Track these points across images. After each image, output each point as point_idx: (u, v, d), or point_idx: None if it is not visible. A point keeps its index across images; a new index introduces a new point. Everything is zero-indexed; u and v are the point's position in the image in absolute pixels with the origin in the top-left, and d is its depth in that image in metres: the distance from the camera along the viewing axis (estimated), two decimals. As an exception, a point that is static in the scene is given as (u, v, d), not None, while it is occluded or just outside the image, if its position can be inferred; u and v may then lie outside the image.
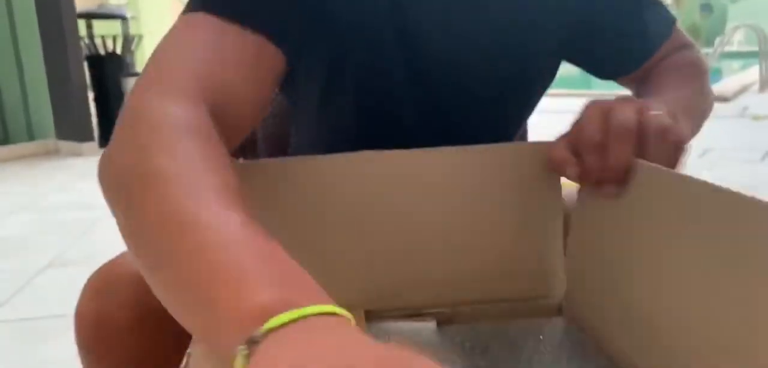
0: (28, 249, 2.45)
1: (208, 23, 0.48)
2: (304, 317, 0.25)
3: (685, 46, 0.70)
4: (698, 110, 0.64)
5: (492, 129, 0.74)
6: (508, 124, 0.76)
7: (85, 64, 4.72)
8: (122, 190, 0.37)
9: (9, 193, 3.49)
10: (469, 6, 0.63)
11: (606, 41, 0.68)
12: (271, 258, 0.29)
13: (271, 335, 0.24)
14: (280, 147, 0.96)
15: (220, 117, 0.43)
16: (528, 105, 0.75)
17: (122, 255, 0.58)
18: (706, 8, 20.85)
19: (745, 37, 12.47)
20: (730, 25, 8.60)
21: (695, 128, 0.61)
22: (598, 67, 0.72)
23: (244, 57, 0.47)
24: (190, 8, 0.50)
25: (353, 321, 0.27)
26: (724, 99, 6.02)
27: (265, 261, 0.29)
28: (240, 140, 0.49)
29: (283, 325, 0.25)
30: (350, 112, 0.69)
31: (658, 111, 0.47)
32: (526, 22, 0.65)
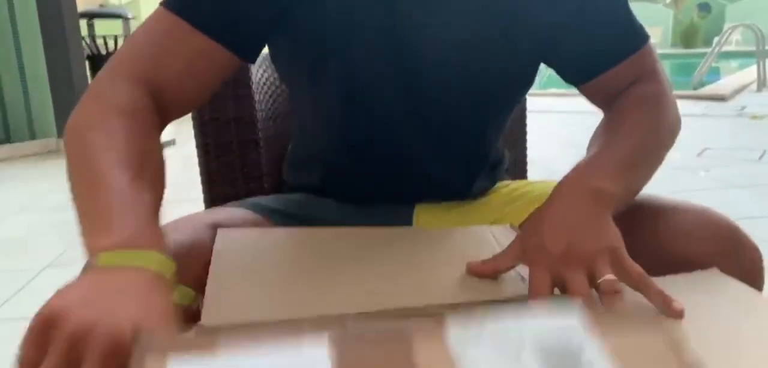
0: (29, 249, 2.45)
1: (166, 19, 0.59)
2: (116, 265, 0.41)
3: (653, 74, 0.70)
4: (653, 159, 0.64)
5: (475, 124, 0.75)
6: (490, 120, 0.77)
7: (87, 64, 4.72)
8: (69, 145, 0.53)
9: (10, 193, 3.50)
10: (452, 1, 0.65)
11: (575, 43, 0.69)
12: (132, 212, 0.45)
13: (95, 268, 0.41)
14: (280, 149, 0.97)
15: (157, 98, 0.58)
16: (509, 100, 0.77)
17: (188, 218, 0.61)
18: (705, 8, 20.84)
19: (742, 37, 12.48)
20: (727, 25, 8.61)
21: (649, 174, 0.63)
22: (565, 68, 0.72)
23: (185, 51, 0.59)
24: (161, 3, 0.61)
25: (162, 278, 0.41)
26: (721, 98, 6.04)
27: (125, 214, 0.44)
28: (177, 116, 0.62)
29: (105, 265, 0.41)
30: (333, 98, 0.71)
31: (608, 276, 0.48)
32: (507, 18, 0.66)
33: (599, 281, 0.47)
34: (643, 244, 0.60)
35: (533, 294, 0.49)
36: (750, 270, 0.59)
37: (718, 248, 0.60)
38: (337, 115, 0.73)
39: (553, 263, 0.49)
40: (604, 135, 0.64)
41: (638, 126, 0.64)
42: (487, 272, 0.53)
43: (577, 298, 0.46)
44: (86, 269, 0.42)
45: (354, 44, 0.66)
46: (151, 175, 0.52)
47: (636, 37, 0.70)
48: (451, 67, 0.68)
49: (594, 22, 0.68)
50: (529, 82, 0.76)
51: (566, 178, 0.57)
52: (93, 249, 0.43)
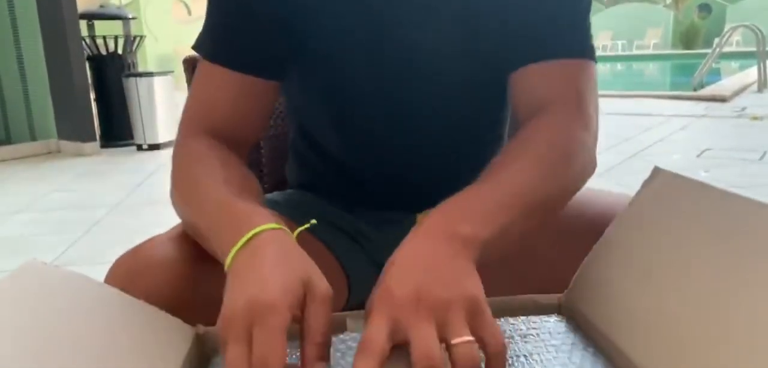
0: (30, 249, 2.45)
1: (204, 68, 0.65)
2: (258, 233, 0.45)
3: (581, 100, 0.60)
4: (547, 204, 0.54)
5: (466, 128, 0.75)
6: (482, 123, 0.76)
7: (87, 65, 4.73)
8: (178, 200, 0.59)
9: (11, 193, 3.50)
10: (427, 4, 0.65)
11: (517, 25, 0.62)
12: (248, 203, 0.50)
13: (244, 246, 0.45)
14: (280, 147, 0.97)
15: (225, 139, 0.62)
16: (498, 102, 0.76)
17: (149, 242, 0.60)
18: (705, 9, 20.85)
19: (743, 38, 12.48)
20: (728, 26, 8.61)
21: (539, 218, 0.53)
22: (493, 56, 0.66)
23: (229, 93, 0.63)
24: (197, 47, 0.66)
25: (286, 233, 0.47)
26: (722, 99, 6.04)
27: (240, 216, 0.48)
28: (251, 145, 0.67)
29: (245, 242, 0.45)
30: (322, 110, 0.72)
31: (464, 337, 0.39)
32: (488, 19, 0.64)
33: (453, 342, 0.38)
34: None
35: (363, 346, 0.38)
36: None
37: None
38: (327, 127, 0.74)
39: (395, 310, 0.40)
40: (492, 168, 0.55)
41: (537, 165, 0.55)
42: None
43: (421, 359, 0.37)
44: (229, 275, 0.44)
45: (337, 54, 0.67)
46: (250, 188, 0.57)
47: (580, 45, 0.61)
48: (431, 66, 0.68)
49: (544, 8, 0.61)
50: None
51: (427, 218, 0.50)
52: (225, 257, 0.46)
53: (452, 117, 0.73)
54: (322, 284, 0.42)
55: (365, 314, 0.42)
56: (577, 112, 0.59)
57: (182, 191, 0.58)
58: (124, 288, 0.50)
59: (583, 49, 0.61)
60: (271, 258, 0.43)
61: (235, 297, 0.41)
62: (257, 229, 0.45)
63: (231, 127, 0.64)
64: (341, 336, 0.50)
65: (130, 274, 0.54)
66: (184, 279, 0.55)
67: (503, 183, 0.53)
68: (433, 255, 0.44)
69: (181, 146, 0.63)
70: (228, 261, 0.45)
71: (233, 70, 0.63)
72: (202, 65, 0.65)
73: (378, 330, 0.39)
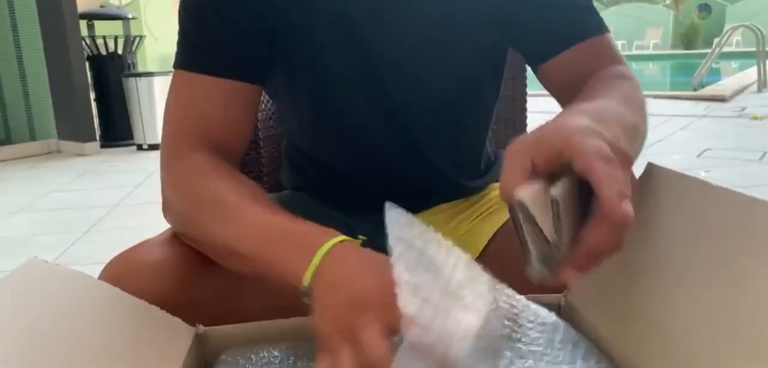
0: (30, 249, 2.45)
1: (185, 79, 0.63)
2: (333, 246, 0.45)
3: (620, 59, 0.67)
4: (640, 132, 0.57)
5: (453, 125, 0.75)
6: (467, 120, 0.77)
7: (87, 65, 4.73)
8: (183, 220, 0.59)
9: (11, 193, 3.50)
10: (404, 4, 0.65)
11: (534, 23, 0.67)
12: (301, 222, 0.50)
13: (323, 260, 0.44)
14: (280, 148, 0.97)
15: (217, 149, 0.61)
16: (483, 98, 0.76)
17: (140, 245, 0.60)
18: (705, 9, 20.84)
19: (743, 38, 12.49)
20: (728, 26, 8.62)
21: (638, 149, 0.55)
22: (527, 49, 0.70)
23: (220, 100, 0.62)
24: (176, 64, 0.64)
25: (358, 243, 0.47)
26: (722, 99, 6.04)
27: (301, 234, 0.48)
28: (241, 154, 0.66)
29: (326, 252, 0.45)
30: (306, 112, 0.72)
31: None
32: (468, 13, 0.66)
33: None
34: None
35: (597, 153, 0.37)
36: None
37: None
38: (313, 128, 0.74)
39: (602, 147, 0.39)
40: (584, 98, 0.56)
41: (622, 99, 0.57)
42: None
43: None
44: (310, 294, 0.44)
45: (322, 67, 0.67)
46: (272, 203, 0.56)
47: (595, 23, 0.67)
48: (415, 71, 0.68)
49: (553, 2, 0.66)
50: (498, 76, 0.75)
51: (572, 109, 0.50)
52: (299, 276, 0.45)
53: (441, 120, 0.73)
54: None
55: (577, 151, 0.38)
56: (626, 67, 0.66)
57: (200, 211, 0.57)
58: None
59: (603, 27, 0.67)
60: (361, 262, 0.44)
61: (334, 303, 0.41)
62: (331, 242, 0.46)
63: (222, 137, 0.63)
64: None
65: (121, 277, 0.55)
66: (174, 281, 0.56)
67: (606, 107, 0.52)
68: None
69: (178, 162, 0.60)
70: (307, 277, 0.45)
71: (219, 76, 0.62)
72: (180, 80, 0.63)
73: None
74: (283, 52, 0.66)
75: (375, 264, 0.43)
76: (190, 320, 0.51)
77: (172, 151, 0.62)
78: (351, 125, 0.70)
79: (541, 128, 0.43)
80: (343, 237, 0.47)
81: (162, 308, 0.50)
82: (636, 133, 0.53)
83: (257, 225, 0.51)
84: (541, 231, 0.38)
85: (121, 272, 0.56)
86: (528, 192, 0.38)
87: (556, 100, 0.70)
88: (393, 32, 0.66)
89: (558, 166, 0.39)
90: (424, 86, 0.69)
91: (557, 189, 0.38)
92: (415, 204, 0.78)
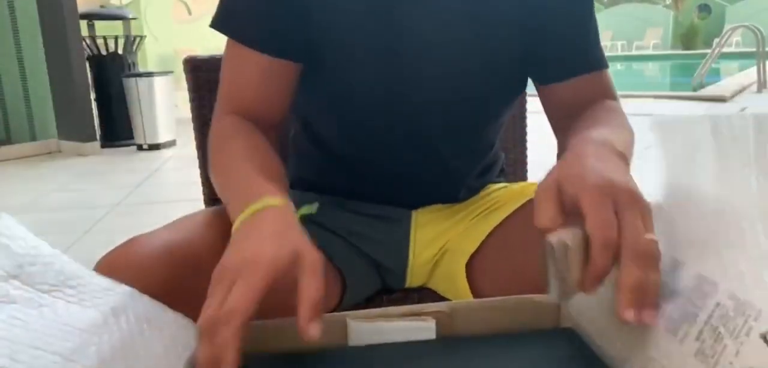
0: (32, 249, 2.45)
1: (230, 47, 0.68)
2: (262, 207, 0.50)
3: (615, 96, 0.73)
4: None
5: (469, 129, 0.76)
6: (483, 124, 0.78)
7: (87, 65, 4.73)
8: (211, 164, 0.66)
9: (11, 193, 3.51)
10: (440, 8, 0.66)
11: (553, 46, 0.71)
12: (263, 179, 0.55)
13: (248, 216, 0.50)
14: (280, 146, 0.98)
15: (252, 118, 0.67)
16: (500, 105, 0.77)
17: (136, 238, 0.60)
18: (705, 9, 20.84)
19: (743, 38, 12.49)
20: (728, 26, 8.63)
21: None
22: (540, 69, 0.74)
23: (253, 73, 0.67)
24: (220, 26, 0.68)
25: (289, 210, 0.51)
26: (722, 100, 6.05)
27: (253, 190, 0.53)
28: (277, 124, 0.70)
29: (254, 211, 0.50)
30: (324, 104, 0.73)
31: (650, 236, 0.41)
32: (495, 22, 0.68)
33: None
34: None
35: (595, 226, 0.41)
36: None
37: None
38: (330, 120, 0.74)
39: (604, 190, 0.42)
40: (582, 127, 0.61)
41: (618, 128, 0.62)
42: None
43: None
44: (231, 239, 0.49)
45: (348, 49, 0.67)
46: (270, 165, 0.62)
47: (602, 58, 0.74)
48: (438, 74, 0.69)
49: (572, 30, 0.72)
50: (520, 85, 0.77)
51: (582, 137, 0.54)
52: (233, 219, 0.52)
53: (459, 120, 0.74)
54: (311, 254, 0.45)
55: (551, 190, 0.43)
56: (619, 103, 0.73)
57: (215, 164, 0.65)
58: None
59: (606, 63, 0.74)
60: (268, 227, 0.48)
61: (228, 256, 0.46)
62: (263, 203, 0.50)
63: (257, 107, 0.68)
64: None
65: (115, 269, 0.55)
66: (162, 280, 0.55)
67: (606, 135, 0.56)
68: (609, 162, 0.48)
69: (215, 122, 0.68)
70: (235, 226, 0.50)
71: (262, 52, 0.65)
72: (230, 45, 0.68)
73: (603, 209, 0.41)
74: (315, 28, 0.67)
75: (284, 233, 0.47)
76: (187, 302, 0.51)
77: (217, 112, 0.69)
78: (368, 112, 0.71)
79: (566, 165, 0.47)
80: (277, 201, 0.51)
81: (157, 290, 0.51)
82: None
83: (235, 176, 0.58)
84: (567, 272, 0.41)
85: (118, 262, 0.56)
86: (561, 239, 0.41)
87: (548, 119, 0.76)
88: (422, 31, 0.66)
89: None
90: (447, 84, 0.69)
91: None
92: (417, 200, 0.79)
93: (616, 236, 0.40)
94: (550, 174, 0.46)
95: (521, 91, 0.78)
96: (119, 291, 0.47)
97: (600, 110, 0.68)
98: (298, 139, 0.84)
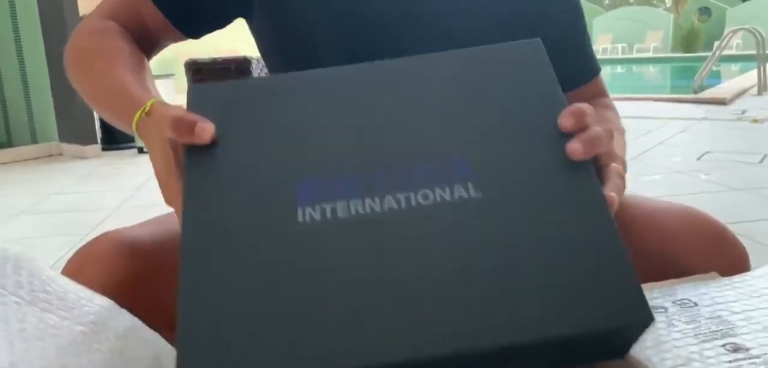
0: (31, 252, 2.45)
1: None
2: (150, 107, 0.54)
3: (606, 94, 0.79)
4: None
5: None
6: None
7: (88, 68, 4.73)
8: (71, 63, 0.69)
9: (11, 196, 3.51)
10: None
11: (559, 53, 0.72)
12: (135, 84, 0.60)
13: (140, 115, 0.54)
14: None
15: (128, 30, 0.70)
16: None
17: (106, 233, 0.61)
18: (705, 12, 20.85)
19: (743, 41, 12.50)
20: (728, 29, 8.63)
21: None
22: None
23: (138, 7, 0.69)
24: None
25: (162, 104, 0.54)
26: (722, 102, 6.05)
27: (131, 86, 0.59)
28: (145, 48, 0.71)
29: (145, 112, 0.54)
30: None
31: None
32: (497, 26, 0.68)
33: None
34: (629, 247, 0.60)
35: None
36: (735, 271, 0.59)
37: (704, 249, 0.60)
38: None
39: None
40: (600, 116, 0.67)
41: (615, 127, 0.66)
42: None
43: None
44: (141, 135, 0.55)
45: (314, 47, 0.68)
46: (135, 61, 0.65)
47: (597, 65, 0.79)
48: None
49: (571, 41, 0.76)
50: None
51: None
52: (130, 127, 0.56)
53: None
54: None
55: None
56: (608, 98, 0.79)
57: (82, 57, 0.68)
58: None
59: (599, 65, 0.79)
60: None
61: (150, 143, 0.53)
62: (148, 104, 0.55)
63: (133, 25, 0.70)
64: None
65: (74, 270, 0.56)
66: (123, 274, 0.56)
67: (618, 132, 0.62)
68: None
69: (93, 17, 0.72)
70: (133, 128, 0.56)
71: (158, 7, 0.67)
72: None
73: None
74: (301, 39, 0.68)
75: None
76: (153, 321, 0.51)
77: (92, 13, 0.73)
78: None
79: None
80: (153, 101, 0.55)
81: (113, 290, 0.51)
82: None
83: (108, 83, 0.62)
84: None
85: (76, 264, 0.57)
86: None
87: None
88: (398, 30, 0.67)
89: None
90: None
91: None
92: None
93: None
94: None
95: None
96: (98, 304, 0.45)
97: (598, 111, 0.69)
98: None
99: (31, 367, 0.37)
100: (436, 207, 0.42)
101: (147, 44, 0.70)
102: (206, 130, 0.45)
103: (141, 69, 0.64)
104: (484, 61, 0.50)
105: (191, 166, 0.45)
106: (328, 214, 0.42)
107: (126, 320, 0.46)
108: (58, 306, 0.43)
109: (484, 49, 0.51)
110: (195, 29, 0.71)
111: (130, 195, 3.33)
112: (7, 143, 4.80)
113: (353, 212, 0.42)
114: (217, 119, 0.46)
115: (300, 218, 0.41)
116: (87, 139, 4.68)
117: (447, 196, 0.42)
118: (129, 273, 0.56)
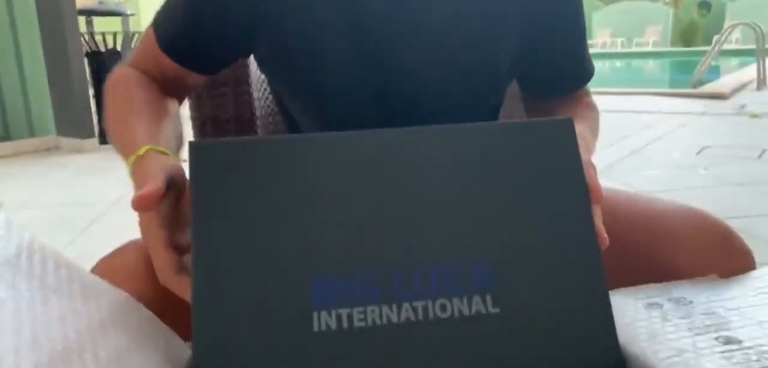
0: (30, 246, 2.45)
1: (150, 33, 0.72)
2: (144, 152, 0.55)
3: (588, 93, 0.81)
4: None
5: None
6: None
7: (86, 61, 4.72)
8: (105, 101, 0.70)
9: (10, 190, 3.50)
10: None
11: (544, 64, 0.74)
12: (150, 129, 0.61)
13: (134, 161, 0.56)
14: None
15: (154, 78, 0.72)
16: (481, 113, 0.77)
17: (135, 243, 0.59)
18: (705, 6, 20.82)
19: (742, 35, 12.49)
20: (727, 23, 8.61)
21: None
22: (531, 84, 0.78)
23: (160, 66, 0.71)
24: (154, 23, 0.72)
25: (169, 155, 0.57)
26: (721, 97, 6.04)
27: (141, 132, 0.60)
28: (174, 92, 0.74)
29: (139, 156, 0.55)
30: (308, 112, 0.73)
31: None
32: (480, 34, 0.67)
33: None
34: (634, 249, 0.60)
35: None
36: (740, 273, 0.58)
37: (709, 251, 0.59)
38: (309, 116, 0.74)
39: None
40: (583, 117, 0.71)
41: (590, 127, 0.70)
42: None
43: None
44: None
45: (321, 60, 0.67)
46: (149, 109, 0.67)
47: (589, 71, 0.78)
48: (422, 80, 0.68)
49: (569, 49, 0.75)
50: (499, 95, 0.77)
51: None
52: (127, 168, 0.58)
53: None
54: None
55: None
56: (590, 97, 0.80)
57: (108, 106, 0.69)
58: None
59: (592, 73, 0.79)
60: (151, 168, 0.55)
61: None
62: (141, 151, 0.56)
63: (160, 79, 0.72)
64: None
65: (100, 276, 0.54)
66: (154, 288, 0.55)
67: (587, 132, 0.65)
68: None
69: (123, 66, 0.74)
70: (129, 171, 0.57)
71: (171, 57, 0.70)
72: (150, 38, 0.71)
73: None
74: (278, 35, 0.66)
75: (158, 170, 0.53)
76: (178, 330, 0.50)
77: (127, 62, 0.74)
78: (347, 119, 0.70)
79: None
80: (147, 148, 0.57)
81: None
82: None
83: (120, 126, 0.64)
84: None
85: (109, 274, 0.55)
86: None
87: (526, 109, 0.83)
88: (405, 38, 0.65)
89: None
90: (426, 93, 0.69)
91: None
92: None
93: None
94: None
95: (501, 100, 0.79)
96: (114, 296, 0.47)
97: (578, 107, 0.75)
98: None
99: (51, 345, 0.38)
100: (454, 322, 0.42)
101: (173, 88, 0.73)
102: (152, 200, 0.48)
103: (155, 118, 0.65)
104: (512, 139, 0.48)
105: (200, 254, 0.43)
106: (345, 323, 0.41)
107: (143, 313, 0.48)
108: (80, 293, 0.45)
109: (514, 124, 0.50)
110: (212, 69, 0.73)
111: (128, 189, 3.31)
112: (4, 137, 4.79)
113: (370, 322, 0.41)
114: (221, 186, 0.44)
115: (315, 326, 0.41)
116: (84, 132, 4.67)
117: (465, 310, 0.42)
118: (155, 289, 0.55)
